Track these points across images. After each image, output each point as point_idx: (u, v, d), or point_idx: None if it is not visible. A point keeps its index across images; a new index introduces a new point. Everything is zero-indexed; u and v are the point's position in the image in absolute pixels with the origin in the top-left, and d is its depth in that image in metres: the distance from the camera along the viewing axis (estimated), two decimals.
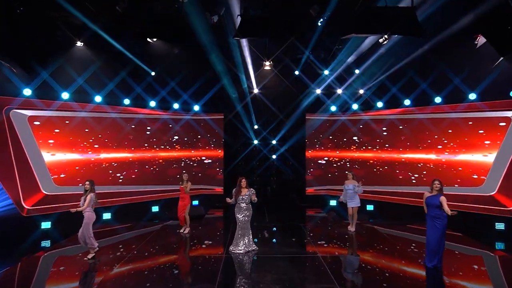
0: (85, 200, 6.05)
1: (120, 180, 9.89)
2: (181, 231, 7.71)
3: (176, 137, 11.12)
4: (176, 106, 10.87)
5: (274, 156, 11.79)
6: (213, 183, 11.53)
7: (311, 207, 10.85)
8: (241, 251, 6.20)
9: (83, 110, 9.04)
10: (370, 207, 10.46)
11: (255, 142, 11.54)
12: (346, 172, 8.16)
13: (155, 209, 10.29)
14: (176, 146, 11.12)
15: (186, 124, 11.25)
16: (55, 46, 8.04)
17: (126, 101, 9.83)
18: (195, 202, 10.65)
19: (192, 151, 11.49)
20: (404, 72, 9.29)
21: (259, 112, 11.58)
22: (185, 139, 11.35)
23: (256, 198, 6.30)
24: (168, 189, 10.43)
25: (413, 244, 6.76)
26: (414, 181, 9.81)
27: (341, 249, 6.62)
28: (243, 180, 6.30)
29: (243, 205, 6.33)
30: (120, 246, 6.73)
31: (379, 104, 10.54)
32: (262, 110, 11.59)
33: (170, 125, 10.93)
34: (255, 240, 6.75)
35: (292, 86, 11.04)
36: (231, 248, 6.32)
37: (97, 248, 6.20)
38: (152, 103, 10.35)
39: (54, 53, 7.97)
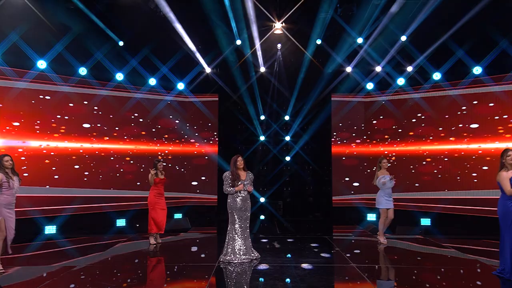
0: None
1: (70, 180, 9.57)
2: (153, 242, 7.49)
3: (152, 126, 10.90)
4: (152, 82, 10.61)
5: (288, 158, 11.59)
6: (203, 190, 11.31)
7: (340, 223, 10.53)
8: (239, 260, 6.01)
9: (21, 80, 8.74)
10: (425, 221, 9.92)
11: (262, 138, 11.43)
12: (382, 158, 7.80)
13: (120, 222, 9.97)
14: (153, 138, 10.89)
15: (166, 108, 11.04)
16: None
17: (82, 71, 9.53)
18: (178, 216, 10.48)
19: (175, 146, 11.29)
20: (472, 29, 8.78)
21: (266, 97, 11.48)
22: (167, 128, 11.16)
23: (252, 188, 6.23)
24: (137, 195, 9.97)
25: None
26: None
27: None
28: (240, 158, 6.17)
29: (242, 193, 6.16)
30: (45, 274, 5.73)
31: (436, 76, 9.97)
32: (271, 94, 11.50)
33: (145, 108, 10.68)
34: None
35: (313, 59, 10.82)
36: (222, 257, 6.13)
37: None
38: (119, 76, 10.06)
39: None
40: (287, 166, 11.80)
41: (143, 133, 10.70)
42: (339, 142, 11.42)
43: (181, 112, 11.31)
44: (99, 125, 9.93)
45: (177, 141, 11.33)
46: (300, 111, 11.51)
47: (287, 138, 11.63)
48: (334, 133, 11.42)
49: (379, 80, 10.87)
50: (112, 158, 10.14)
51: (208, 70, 10.90)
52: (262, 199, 11.35)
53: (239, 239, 6.10)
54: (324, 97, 11.34)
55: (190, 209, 11.07)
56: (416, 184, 10.20)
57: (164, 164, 7.90)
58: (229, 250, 6.11)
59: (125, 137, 10.40)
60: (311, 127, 11.58)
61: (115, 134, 10.23)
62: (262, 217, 10.87)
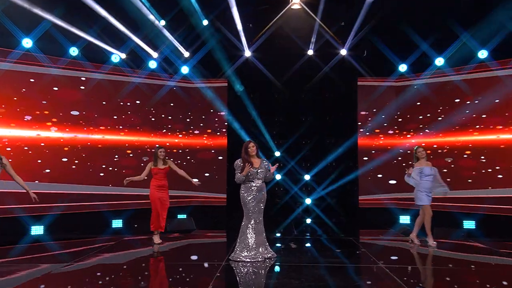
0: None
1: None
2: (156, 242, 7.53)
3: (152, 115, 10.72)
4: (152, 64, 10.46)
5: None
6: (211, 188, 11.03)
7: (368, 226, 10.28)
8: (251, 259, 6.02)
9: (4, 61, 8.64)
10: (469, 224, 9.51)
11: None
12: (417, 148, 7.58)
13: (116, 223, 9.85)
14: (152, 129, 10.74)
15: (168, 94, 10.87)
16: None
17: (73, 51, 9.38)
18: (182, 216, 10.42)
19: (178, 138, 11.14)
20: None
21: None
22: (169, 117, 11.00)
23: (275, 168, 6.19)
24: (136, 193, 9.61)
25: None
26: None
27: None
28: (252, 144, 6.23)
29: (256, 183, 6.19)
30: None
31: (482, 54, 9.51)
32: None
33: (143, 95, 10.51)
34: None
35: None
36: (232, 255, 6.17)
37: None
38: (115, 57, 9.91)
39: None
40: (307, 163, 11.57)
41: (141, 122, 10.53)
42: (367, 134, 11.12)
43: (185, 99, 11.10)
44: (95, 114, 9.83)
45: (181, 132, 11.16)
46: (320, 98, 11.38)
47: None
48: (360, 123, 11.14)
49: (414, 61, 10.47)
50: (108, 151, 9.97)
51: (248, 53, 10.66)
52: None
53: (252, 235, 6.09)
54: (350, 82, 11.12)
55: (195, 209, 10.89)
56: (458, 181, 9.70)
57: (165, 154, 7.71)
58: (241, 246, 6.09)
59: (122, 127, 10.23)
60: (333, 116, 11.44)
61: (110, 124, 10.09)
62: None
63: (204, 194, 10.98)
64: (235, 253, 6.10)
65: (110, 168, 9.95)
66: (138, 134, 10.42)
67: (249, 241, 6.06)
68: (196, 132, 11.26)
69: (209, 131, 11.32)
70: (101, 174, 9.83)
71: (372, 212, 10.81)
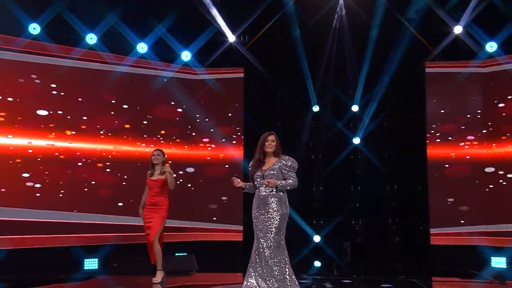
0: None
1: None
2: (154, 280, 7.70)
3: (142, 116, 10.41)
4: (142, 48, 10.25)
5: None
6: (221, 219, 10.82)
7: (443, 272, 9.92)
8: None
9: None
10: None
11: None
12: None
13: (90, 263, 9.56)
14: (142, 135, 10.46)
15: (164, 88, 10.58)
16: None
17: (33, 28, 9.25)
18: (181, 254, 10.17)
19: (177, 147, 10.81)
20: None
21: (319, 71, 11.11)
22: (165, 119, 10.72)
23: (275, 182, 5.89)
24: (117, 222, 9.67)
25: None
26: None
27: None
28: (272, 137, 6.09)
29: (261, 191, 6.02)
30: None
31: None
32: (327, 67, 11.12)
33: (131, 88, 10.24)
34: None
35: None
36: None
37: None
38: (91, 38, 9.80)
39: None
40: (356, 186, 11.27)
41: (127, 126, 10.17)
42: (438, 140, 10.51)
43: (187, 95, 10.81)
44: (59, 112, 9.48)
45: (180, 139, 10.81)
46: (374, 93, 10.95)
47: (355, 141, 11.01)
48: (432, 125, 10.62)
49: (508, 38, 10.10)
50: (79, 164, 9.64)
51: (231, 38, 10.74)
52: (316, 238, 10.81)
53: (255, 269, 5.93)
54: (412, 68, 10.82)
55: (199, 245, 10.51)
56: None
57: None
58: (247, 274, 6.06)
59: (100, 132, 9.91)
60: (392, 118, 11.05)
61: (83, 126, 9.79)
62: (317, 263, 10.38)
63: (213, 225, 10.82)
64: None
65: (77, 188, 9.65)
66: (122, 142, 10.11)
67: (249, 279, 5.94)
68: (205, 140, 10.96)
69: (222, 138, 10.98)
70: (61, 193, 9.38)
71: (449, 251, 10.24)
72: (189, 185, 10.61)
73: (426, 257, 10.35)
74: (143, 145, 10.15)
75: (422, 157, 10.52)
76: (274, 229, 5.89)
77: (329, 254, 10.52)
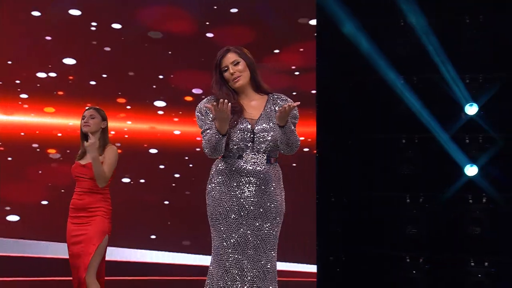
0: None
1: None
2: None
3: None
4: None
5: None
6: (286, 254, 8.78)
7: None
8: None
9: None
10: None
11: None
12: None
13: None
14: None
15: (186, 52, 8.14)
16: None
17: None
18: None
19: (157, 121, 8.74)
20: None
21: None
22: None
23: (295, 105, 3.71)
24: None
25: None
26: None
27: None
28: (232, 56, 4.13)
29: (247, 159, 3.85)
30: None
31: None
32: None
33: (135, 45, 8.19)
34: None
35: None
36: None
37: None
38: None
39: None
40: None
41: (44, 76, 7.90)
42: None
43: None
44: None
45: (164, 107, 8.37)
46: None
47: None
48: None
49: None
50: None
51: None
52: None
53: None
54: None
55: None
56: None
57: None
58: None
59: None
60: None
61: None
62: None
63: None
64: None
65: None
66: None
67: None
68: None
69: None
70: None
71: None
72: (187, 192, 7.58)
73: None
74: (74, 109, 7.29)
75: None
76: (271, 233, 4.62)
77: None
